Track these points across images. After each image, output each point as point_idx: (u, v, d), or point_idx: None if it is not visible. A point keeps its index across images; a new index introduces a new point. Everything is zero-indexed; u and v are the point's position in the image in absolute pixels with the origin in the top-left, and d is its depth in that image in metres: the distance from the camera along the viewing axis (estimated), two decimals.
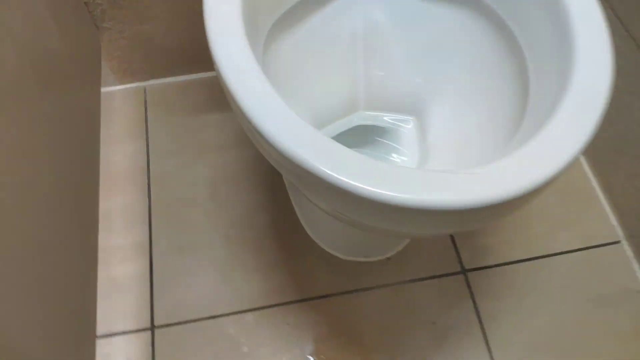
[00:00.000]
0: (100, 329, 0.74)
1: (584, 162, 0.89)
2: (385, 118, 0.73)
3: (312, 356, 0.73)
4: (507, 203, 0.37)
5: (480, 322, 0.75)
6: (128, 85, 0.97)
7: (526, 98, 0.54)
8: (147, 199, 0.86)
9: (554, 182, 0.40)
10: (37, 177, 0.58)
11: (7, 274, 0.48)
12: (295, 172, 0.42)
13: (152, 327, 0.75)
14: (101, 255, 0.80)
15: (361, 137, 0.74)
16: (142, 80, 0.97)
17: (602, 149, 0.84)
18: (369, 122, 0.73)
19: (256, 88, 0.43)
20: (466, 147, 0.62)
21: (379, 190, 0.38)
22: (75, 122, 0.77)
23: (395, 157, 0.73)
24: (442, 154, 0.65)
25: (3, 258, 0.47)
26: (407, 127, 0.71)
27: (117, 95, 0.96)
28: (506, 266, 0.79)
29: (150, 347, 0.74)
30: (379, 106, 0.71)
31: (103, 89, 0.95)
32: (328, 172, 0.39)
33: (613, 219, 0.83)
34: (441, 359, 0.73)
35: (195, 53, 0.92)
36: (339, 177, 0.38)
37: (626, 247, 0.81)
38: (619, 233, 0.82)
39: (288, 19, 0.61)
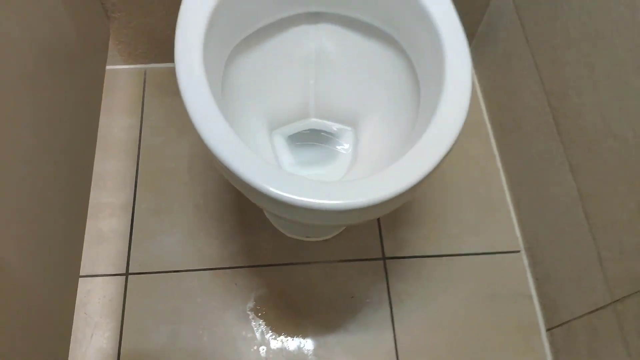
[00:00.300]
0: (84, 270, 0.92)
1: (502, 177, 1.05)
2: (332, 127, 0.89)
3: (251, 312, 0.91)
4: (357, 210, 0.54)
5: (390, 301, 0.93)
6: (131, 66, 1.13)
7: (416, 115, 0.70)
8: (135, 167, 1.03)
9: (400, 199, 0.56)
10: (46, 134, 0.75)
11: (13, 212, 0.65)
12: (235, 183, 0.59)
13: (127, 273, 0.93)
14: (91, 210, 0.97)
15: (315, 137, 0.90)
16: (143, 63, 1.13)
17: (518, 167, 0.99)
18: (320, 128, 0.90)
19: (207, 111, 0.59)
20: (381, 157, 0.79)
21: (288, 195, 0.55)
22: (80, 93, 0.93)
23: (338, 155, 0.89)
24: (364, 161, 0.81)
25: (13, 197, 0.64)
26: (347, 135, 0.88)
27: (121, 73, 1.12)
28: (419, 259, 0.96)
29: (123, 289, 0.91)
30: (326, 116, 0.88)
31: (109, 67, 1.11)
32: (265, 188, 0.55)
33: (517, 231, 1.00)
34: (354, 326, 0.91)
35: None
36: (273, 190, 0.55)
37: (524, 257, 0.98)
38: (520, 244, 0.99)
39: (253, 39, 0.77)
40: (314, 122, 0.89)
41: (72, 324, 0.87)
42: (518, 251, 0.99)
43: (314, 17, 0.79)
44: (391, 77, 0.79)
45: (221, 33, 0.69)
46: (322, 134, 0.90)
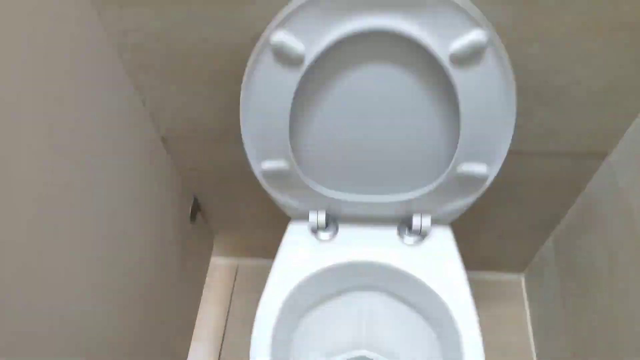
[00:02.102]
0: None
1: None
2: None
3: None
4: None
5: None
6: (227, 258, 1.37)
7: None
8: (218, 355, 1.24)
9: None
10: (159, 328, 0.98)
11: None
12: None
13: None
14: None
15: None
16: (237, 257, 1.37)
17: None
18: (370, 355, 1.06)
19: None
20: None
21: None
22: (189, 286, 1.18)
23: None
24: None
25: None
26: None
27: (218, 264, 1.37)
28: None
29: None
30: (376, 349, 1.04)
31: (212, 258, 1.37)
32: None
33: None
34: None
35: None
36: None
37: None
38: None
39: (320, 302, 0.96)
40: (366, 353, 1.06)
41: None
42: None
43: (367, 288, 0.97)
44: (423, 340, 0.93)
45: (295, 303, 0.89)
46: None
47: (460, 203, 0.81)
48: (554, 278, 1.07)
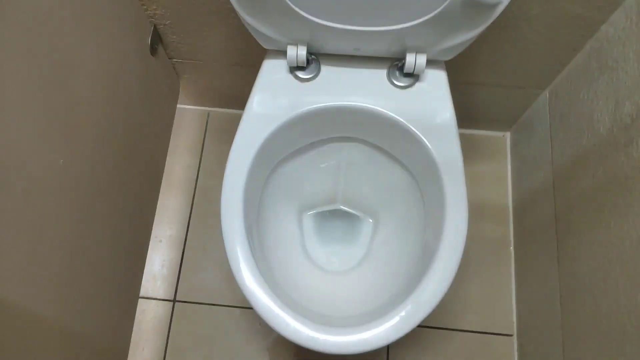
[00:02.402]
0: (142, 292, 1.13)
1: (512, 264, 1.14)
2: (355, 212, 1.01)
3: (268, 351, 1.09)
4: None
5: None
6: (197, 107, 1.27)
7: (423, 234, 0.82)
8: (190, 206, 1.20)
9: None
10: (123, 165, 0.93)
11: (91, 238, 0.84)
12: None
13: (174, 300, 1.13)
14: (151, 242, 1.16)
15: (340, 214, 1.03)
16: (208, 106, 1.27)
17: (526, 263, 1.08)
18: (347, 209, 1.03)
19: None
20: (389, 262, 0.91)
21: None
22: (154, 129, 1.09)
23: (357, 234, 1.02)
24: (376, 259, 0.94)
25: (90, 224, 0.83)
26: (368, 224, 1.00)
27: (188, 112, 1.27)
28: (421, 328, 1.10)
29: (170, 313, 1.12)
30: (351, 206, 1.00)
31: (179, 106, 1.26)
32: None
33: (514, 316, 1.10)
34: None
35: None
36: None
37: (514, 342, 1.09)
38: (514, 329, 1.10)
39: (294, 154, 0.89)
40: (340, 207, 1.02)
41: (131, 334, 1.10)
42: (511, 335, 1.10)
43: (347, 139, 0.89)
44: (406, 196, 0.89)
45: (268, 155, 0.82)
46: (346, 212, 1.03)
47: (462, 38, 0.71)
48: (544, 133, 1.02)
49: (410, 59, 0.75)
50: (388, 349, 1.09)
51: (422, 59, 0.74)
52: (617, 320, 0.73)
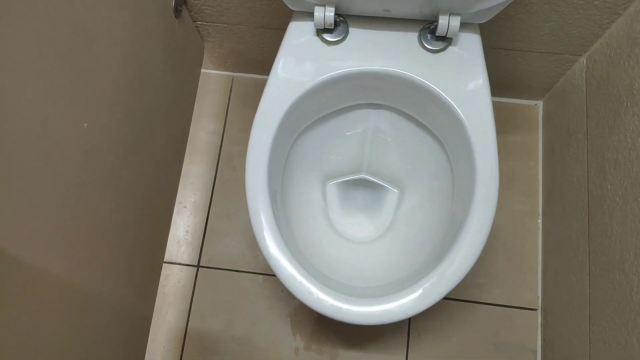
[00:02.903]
0: (166, 257, 1.14)
1: (540, 237, 1.11)
2: (380, 182, 0.99)
3: (290, 317, 1.10)
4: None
5: (408, 332, 1.08)
6: (221, 72, 1.25)
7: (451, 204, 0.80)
8: (214, 172, 1.19)
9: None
10: (147, 130, 0.92)
11: (117, 203, 0.85)
12: None
13: (198, 265, 1.14)
14: (175, 207, 1.17)
15: (365, 183, 1.02)
16: (232, 71, 1.25)
17: (553, 236, 1.06)
18: (371, 179, 1.01)
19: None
20: (415, 233, 0.89)
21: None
22: (178, 96, 1.09)
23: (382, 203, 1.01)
24: (401, 228, 0.92)
25: (115, 190, 0.84)
26: (393, 194, 0.98)
27: (212, 77, 1.25)
28: (444, 300, 1.08)
29: (194, 279, 1.13)
30: (375, 175, 0.98)
31: (203, 70, 1.25)
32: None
33: (540, 291, 1.08)
34: (373, 347, 1.07)
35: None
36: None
37: (539, 316, 1.08)
38: (539, 303, 1.08)
39: (318, 120, 0.87)
40: (365, 177, 1.00)
41: (155, 298, 1.11)
42: (535, 309, 1.08)
43: (375, 105, 0.87)
44: (434, 166, 0.87)
45: (293, 122, 0.80)
46: (371, 182, 1.01)
47: None
48: (579, 101, 0.98)
49: (443, 21, 0.71)
50: (410, 319, 1.09)
51: (455, 22, 0.71)
52: None
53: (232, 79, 1.25)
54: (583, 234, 0.91)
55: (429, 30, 0.76)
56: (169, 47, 0.97)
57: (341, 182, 1.01)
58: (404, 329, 1.08)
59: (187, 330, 1.10)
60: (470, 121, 0.72)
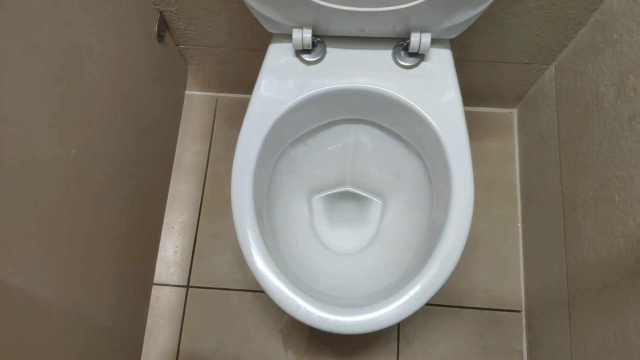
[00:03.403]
0: (156, 279, 1.15)
1: (520, 240, 1.14)
2: (364, 193, 1.02)
3: (281, 332, 1.11)
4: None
5: (398, 340, 1.10)
6: (205, 93, 1.28)
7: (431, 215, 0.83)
8: (201, 191, 1.21)
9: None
10: (134, 152, 0.94)
11: (106, 225, 0.86)
12: None
13: (188, 286, 1.15)
14: (163, 228, 1.18)
15: (349, 196, 1.04)
16: (216, 91, 1.27)
17: (533, 238, 1.09)
18: (355, 191, 1.03)
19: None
20: (398, 243, 0.92)
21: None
22: (163, 118, 1.11)
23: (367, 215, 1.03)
24: (385, 239, 0.95)
25: (103, 211, 0.86)
26: (377, 205, 1.01)
27: (196, 98, 1.28)
28: (431, 306, 1.11)
29: (184, 299, 1.14)
30: (359, 188, 1.01)
31: (187, 92, 1.27)
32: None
33: (523, 293, 1.12)
34: (364, 356, 1.09)
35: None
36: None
37: (523, 317, 1.11)
38: (523, 305, 1.11)
39: (302, 137, 0.90)
40: (349, 189, 1.03)
41: (146, 320, 1.12)
42: (519, 311, 1.11)
43: (355, 120, 0.90)
44: (413, 176, 0.90)
45: (276, 139, 0.83)
46: (355, 194, 1.04)
47: (465, 15, 0.71)
48: (550, 109, 1.02)
49: (414, 38, 0.75)
50: (399, 327, 1.11)
51: (426, 38, 0.75)
52: (622, 294, 0.74)
53: (216, 99, 1.28)
54: (559, 235, 0.95)
55: (402, 47, 0.79)
56: (153, 71, 0.99)
57: (326, 195, 1.03)
58: (393, 338, 1.10)
59: (179, 350, 1.11)
60: (444, 131, 0.76)
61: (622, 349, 0.74)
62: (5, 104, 0.57)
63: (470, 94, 1.18)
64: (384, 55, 0.80)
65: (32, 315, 0.67)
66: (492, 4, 0.70)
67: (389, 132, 0.89)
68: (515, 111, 1.24)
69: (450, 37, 0.79)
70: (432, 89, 0.78)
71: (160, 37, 0.96)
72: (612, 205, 0.78)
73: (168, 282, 1.15)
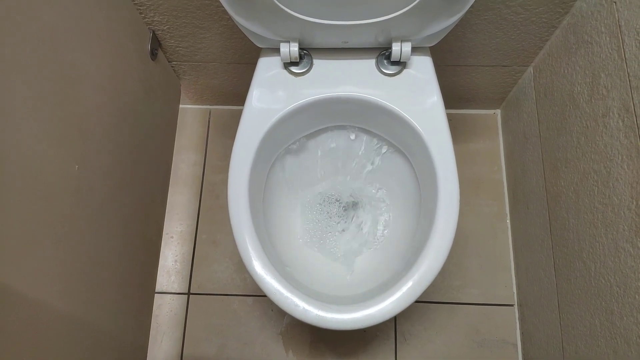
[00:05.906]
0: (157, 288, 1.18)
1: (509, 235, 1.18)
2: (354, 197, 1.06)
3: (281, 335, 1.14)
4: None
5: (395, 338, 1.13)
6: (199, 106, 1.32)
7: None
8: (198, 201, 1.25)
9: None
10: (131, 168, 0.98)
11: (110, 241, 0.90)
12: None
13: (189, 293, 1.18)
14: (163, 238, 1.21)
15: (341, 204, 1.08)
16: (209, 104, 1.31)
17: (521, 233, 1.13)
18: (347, 195, 1.07)
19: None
20: (391, 244, 0.96)
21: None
22: (159, 132, 1.15)
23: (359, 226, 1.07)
24: (377, 241, 0.99)
25: (108, 227, 0.89)
26: (369, 208, 1.04)
27: (190, 111, 1.32)
28: (425, 304, 1.15)
29: (185, 306, 1.17)
30: (351, 192, 1.05)
31: (181, 106, 1.31)
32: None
33: (514, 287, 1.15)
34: (363, 356, 1.13)
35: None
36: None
37: (516, 311, 1.14)
38: (515, 299, 1.15)
39: (293, 145, 0.94)
40: (341, 194, 1.06)
41: (150, 328, 1.15)
42: (512, 305, 1.15)
43: (343, 127, 0.94)
44: (402, 177, 0.94)
45: (269, 148, 0.86)
46: (347, 198, 1.08)
47: (443, 24, 0.75)
48: (531, 108, 1.06)
49: (396, 47, 0.79)
50: (395, 324, 1.15)
51: (407, 47, 0.79)
52: (605, 281, 0.78)
53: (210, 112, 1.32)
54: (546, 229, 0.99)
55: (384, 56, 0.83)
56: (148, 88, 1.03)
57: (318, 200, 1.07)
58: (390, 335, 1.14)
59: (183, 357, 1.14)
60: (428, 134, 0.80)
61: (607, 334, 0.78)
62: (11, 128, 0.61)
63: (455, 97, 1.22)
64: (368, 64, 0.84)
65: (40, 324, 0.70)
66: (467, 12, 0.74)
67: (377, 136, 0.93)
68: (499, 112, 1.28)
69: (430, 45, 0.83)
70: (415, 95, 0.82)
71: (153, 54, 0.99)
72: (592, 198, 0.82)
73: (169, 290, 1.19)
